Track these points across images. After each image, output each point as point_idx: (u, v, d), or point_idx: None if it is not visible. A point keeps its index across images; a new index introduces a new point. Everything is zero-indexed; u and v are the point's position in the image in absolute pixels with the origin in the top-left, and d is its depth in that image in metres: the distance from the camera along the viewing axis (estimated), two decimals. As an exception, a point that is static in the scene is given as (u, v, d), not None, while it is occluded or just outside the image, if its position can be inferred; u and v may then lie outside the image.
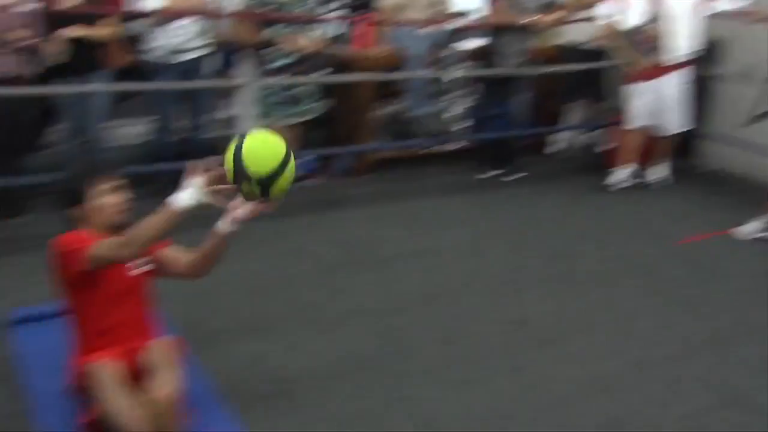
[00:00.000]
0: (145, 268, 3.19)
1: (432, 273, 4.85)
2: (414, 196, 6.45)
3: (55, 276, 3.05)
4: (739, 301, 4.54)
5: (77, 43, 5.49)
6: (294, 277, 4.76)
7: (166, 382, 2.85)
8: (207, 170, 2.75)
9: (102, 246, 2.86)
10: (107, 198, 3.07)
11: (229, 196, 2.78)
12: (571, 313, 4.34)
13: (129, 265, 3.12)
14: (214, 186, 2.75)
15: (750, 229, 5.48)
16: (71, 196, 3.10)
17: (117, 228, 3.05)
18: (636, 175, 6.66)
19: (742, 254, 5.27)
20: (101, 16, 5.62)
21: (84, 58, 5.59)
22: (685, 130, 6.56)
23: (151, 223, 2.76)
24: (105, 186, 3.07)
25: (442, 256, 5.14)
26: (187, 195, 2.73)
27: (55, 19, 5.41)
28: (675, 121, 6.46)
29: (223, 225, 2.95)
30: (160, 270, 3.24)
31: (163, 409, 2.74)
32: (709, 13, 6.27)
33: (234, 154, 2.64)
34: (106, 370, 2.86)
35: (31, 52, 5.34)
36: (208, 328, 3.98)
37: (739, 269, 5.04)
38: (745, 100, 6.79)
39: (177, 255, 3.22)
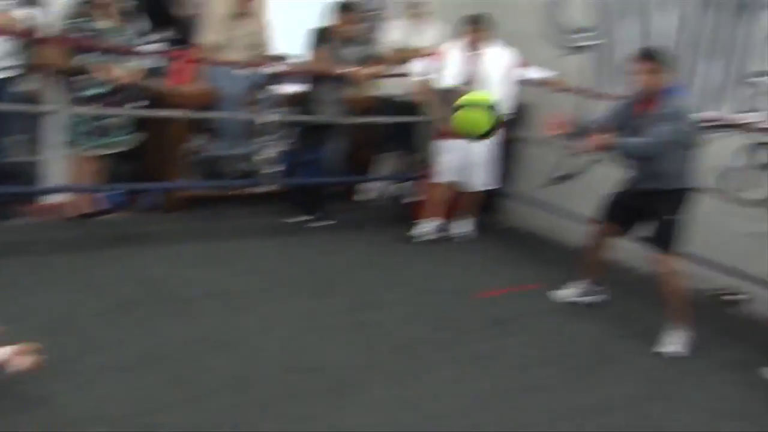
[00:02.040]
0: None
1: (232, 316, 4.85)
2: (220, 236, 6.44)
3: None
4: (525, 356, 4.77)
5: None
6: (89, 314, 4.66)
7: None
8: None
9: None
10: None
11: None
12: (368, 362, 4.44)
13: None
14: None
15: (567, 293, 5.73)
16: None
17: None
18: (441, 228, 6.90)
19: (537, 310, 5.54)
20: None
21: None
22: (490, 188, 6.86)
23: None
24: None
25: (243, 299, 5.15)
26: None
27: None
28: (480, 179, 6.75)
29: None
30: None
31: None
32: (519, 79, 6.62)
33: None
34: None
35: None
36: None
37: (534, 325, 5.30)
38: (546, 163, 7.20)
39: None
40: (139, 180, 6.95)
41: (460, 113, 4.89)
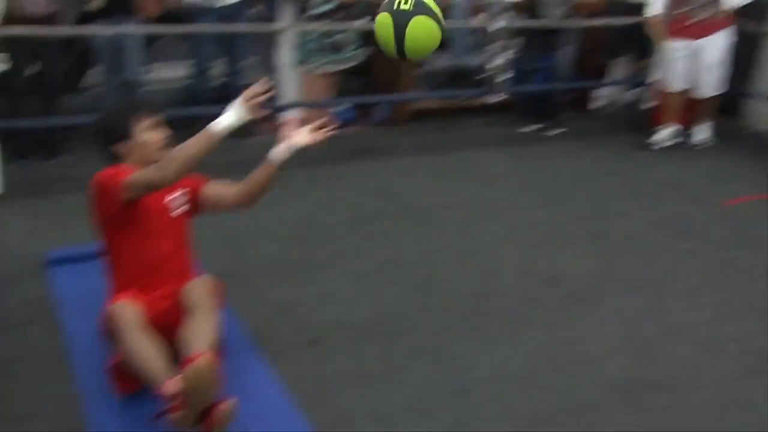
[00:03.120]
0: (184, 209, 3.21)
1: (470, 226, 4.83)
2: (453, 147, 6.40)
3: (93, 214, 3.08)
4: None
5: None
6: (329, 225, 4.77)
7: (202, 331, 2.79)
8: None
9: (138, 172, 2.89)
10: (149, 135, 3.10)
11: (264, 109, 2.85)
12: (607, 273, 4.30)
13: (168, 205, 3.14)
14: (254, 99, 2.80)
15: None
16: (113, 132, 3.13)
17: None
18: (678, 135, 6.56)
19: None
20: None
21: (119, 4, 5.60)
22: (721, 92, 6.40)
23: (189, 144, 2.78)
24: (147, 123, 3.09)
25: (479, 209, 5.11)
26: (228, 115, 2.78)
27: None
28: (711, 82, 6.32)
29: (278, 152, 2.97)
30: (205, 207, 3.27)
31: (202, 373, 2.60)
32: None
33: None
34: (127, 311, 2.82)
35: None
36: (240, 273, 3.99)
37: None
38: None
39: (221, 189, 3.26)
40: (369, 94, 7.02)
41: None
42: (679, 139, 6.56)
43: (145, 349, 2.71)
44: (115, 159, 3.13)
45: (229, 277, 3.62)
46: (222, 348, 2.98)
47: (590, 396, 3.17)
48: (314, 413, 2.94)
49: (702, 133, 6.60)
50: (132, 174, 2.90)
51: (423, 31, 2.63)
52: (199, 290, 2.96)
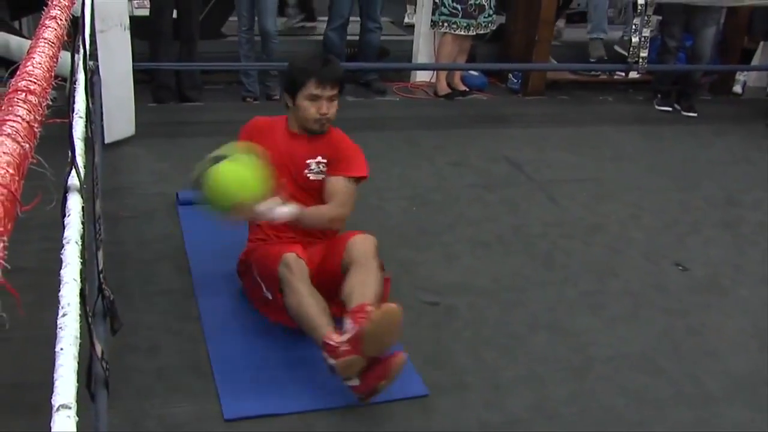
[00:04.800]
0: (319, 177, 3.25)
1: (596, 203, 4.73)
2: (584, 121, 6.28)
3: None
4: None
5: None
6: (454, 189, 4.75)
7: (369, 284, 2.87)
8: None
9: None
10: (308, 104, 3.13)
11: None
12: (738, 263, 4.15)
13: (308, 165, 3.21)
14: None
15: None
16: (286, 82, 3.23)
17: (311, 132, 3.20)
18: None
19: None
20: None
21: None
22: None
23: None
24: (313, 91, 3.11)
25: (607, 186, 5.01)
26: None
27: None
28: None
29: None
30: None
31: (389, 319, 2.67)
32: None
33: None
34: (298, 265, 2.90)
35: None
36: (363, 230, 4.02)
37: None
38: None
39: (331, 192, 3.26)
40: (502, 61, 6.95)
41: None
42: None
43: (313, 305, 2.82)
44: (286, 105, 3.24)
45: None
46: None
47: (710, 387, 3.09)
48: (430, 375, 2.95)
49: None
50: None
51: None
52: (362, 247, 3.01)
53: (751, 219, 4.71)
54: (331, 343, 2.66)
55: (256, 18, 5.78)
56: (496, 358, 3.13)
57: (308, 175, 3.24)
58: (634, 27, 6.07)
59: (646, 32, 6.20)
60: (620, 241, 4.26)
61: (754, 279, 3.99)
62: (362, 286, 2.84)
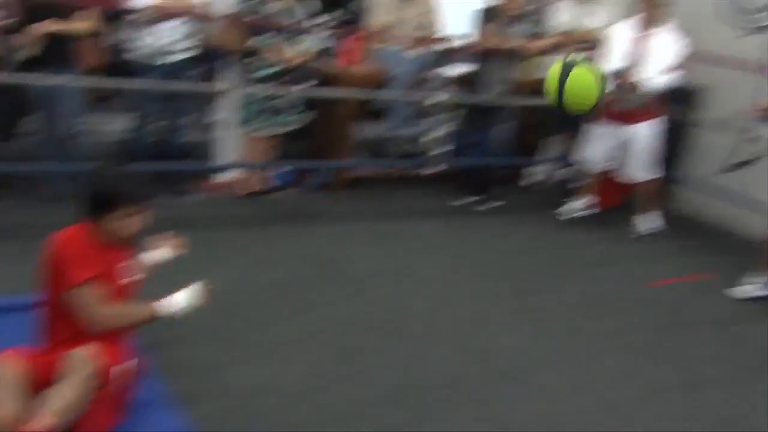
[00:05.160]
0: (136, 277, 3.20)
1: (401, 296, 4.86)
2: (388, 216, 6.45)
3: (43, 268, 3.07)
4: (702, 349, 4.58)
5: (51, 36, 5.46)
6: (260, 288, 4.76)
7: (56, 399, 2.81)
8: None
9: (82, 304, 2.96)
10: (123, 222, 3.07)
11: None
12: (537, 349, 4.36)
13: (121, 272, 3.14)
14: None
15: (746, 289, 5.48)
16: (96, 201, 3.09)
17: (124, 242, 3.15)
18: (588, 208, 6.70)
19: (711, 301, 5.32)
20: (80, 9, 5.58)
21: (57, 53, 5.56)
22: (650, 178, 6.55)
23: (133, 316, 3.04)
24: (126, 210, 3.06)
25: (410, 279, 5.15)
26: (182, 298, 3.00)
27: (33, 7, 5.37)
28: (642, 168, 6.47)
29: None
30: None
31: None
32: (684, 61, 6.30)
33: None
34: (6, 366, 2.88)
35: (5, 34, 5.30)
36: (166, 334, 3.94)
37: (708, 317, 5.10)
38: (723, 147, 6.88)
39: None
40: (308, 159, 7.06)
41: (576, 72, 4.69)
42: (588, 213, 6.69)
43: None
44: (90, 218, 3.11)
45: (155, 338, 3.59)
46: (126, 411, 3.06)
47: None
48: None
49: (646, 222, 6.65)
50: (84, 296, 2.96)
51: (582, 81, 3.36)
52: (69, 362, 2.91)
53: (547, 305, 4.96)
54: None
55: (56, 119, 5.67)
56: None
57: (123, 280, 3.20)
58: (430, 124, 6.34)
59: (444, 129, 6.50)
60: (423, 334, 4.38)
61: (552, 364, 4.18)
62: (47, 399, 2.80)
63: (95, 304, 2.96)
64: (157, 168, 6.35)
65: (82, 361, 2.88)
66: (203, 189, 6.58)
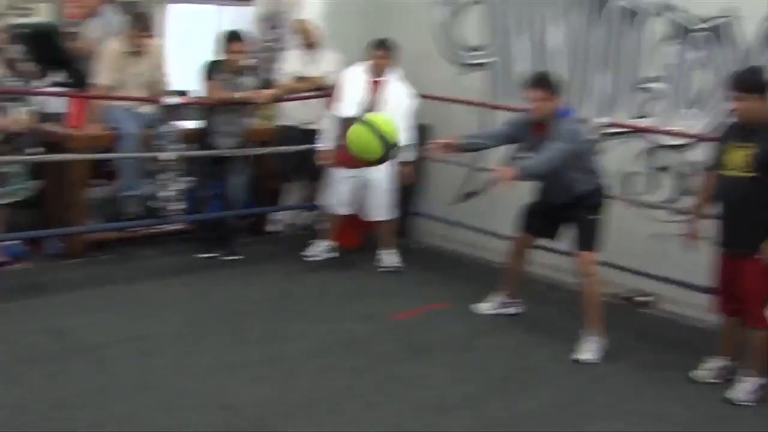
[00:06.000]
0: None
1: (145, 359, 4.80)
2: (128, 279, 6.32)
3: None
4: (443, 375, 4.82)
5: None
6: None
7: None
8: None
9: None
10: None
11: None
12: (285, 396, 4.43)
13: None
14: None
15: (485, 306, 5.88)
16: None
17: None
18: (332, 250, 6.91)
19: (453, 328, 5.61)
20: None
21: None
22: (388, 218, 6.85)
23: None
24: None
25: (154, 341, 5.09)
26: None
27: None
28: (378, 208, 6.77)
29: None
30: None
31: None
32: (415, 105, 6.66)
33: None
34: None
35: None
36: None
37: (450, 343, 5.36)
38: (454, 181, 7.29)
39: None
40: (39, 228, 6.79)
41: (355, 129, 4.97)
42: (331, 255, 6.90)
43: None
44: None
45: None
46: None
47: None
48: None
49: (390, 258, 6.91)
50: None
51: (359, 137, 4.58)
52: None
53: (294, 350, 5.04)
54: None
55: None
56: None
57: None
58: (165, 180, 6.30)
59: (179, 184, 6.48)
60: (170, 395, 4.34)
61: (297, 410, 4.25)
62: None
63: None
64: None
65: None
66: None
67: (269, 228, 7.90)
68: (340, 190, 6.70)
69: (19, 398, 4.21)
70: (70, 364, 4.67)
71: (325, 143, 6.70)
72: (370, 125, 4.94)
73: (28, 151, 6.23)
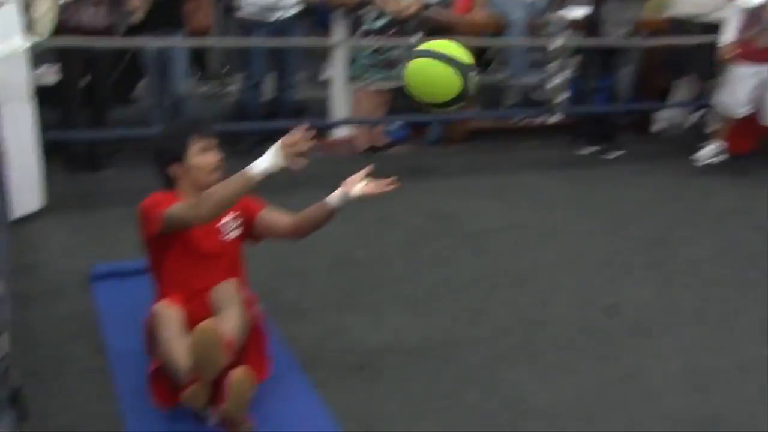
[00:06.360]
0: (236, 233, 3.24)
1: (524, 250, 4.78)
2: (508, 169, 6.36)
3: (141, 235, 3.14)
4: None
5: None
6: (379, 247, 4.76)
7: (227, 320, 2.88)
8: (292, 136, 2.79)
9: (175, 207, 2.96)
10: (201, 158, 3.14)
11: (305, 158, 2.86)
12: (668, 304, 4.22)
13: (220, 228, 3.18)
14: (293, 148, 2.79)
15: None
16: (167, 153, 3.20)
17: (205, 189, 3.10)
18: (722, 153, 6.42)
19: None
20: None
21: (165, 15, 5.65)
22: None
23: (226, 186, 2.85)
24: (199, 145, 3.13)
25: (533, 233, 5.07)
26: (265, 159, 2.79)
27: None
28: None
29: (335, 199, 3.01)
30: (257, 232, 3.31)
31: (206, 336, 2.69)
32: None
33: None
34: (167, 311, 2.93)
35: (115, 4, 5.40)
36: (288, 297, 3.98)
37: None
38: None
39: (276, 217, 3.29)
40: (422, 113, 6.99)
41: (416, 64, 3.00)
42: (723, 158, 6.43)
43: (178, 348, 2.78)
44: (169, 181, 3.21)
45: (275, 300, 3.62)
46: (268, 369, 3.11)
47: (649, 432, 3.12)
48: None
49: None
50: (170, 208, 2.97)
51: (423, 73, 2.78)
52: (224, 291, 3.03)
53: (680, 257, 4.80)
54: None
55: (168, 82, 5.77)
56: (430, 419, 3.11)
57: (225, 237, 3.23)
58: (551, 71, 6.21)
59: (564, 75, 6.35)
60: (550, 289, 4.29)
61: (686, 318, 4.05)
62: (223, 323, 2.87)
63: (187, 205, 2.98)
64: (270, 127, 6.42)
65: (233, 292, 3.01)
66: (318, 147, 6.61)
67: (654, 127, 7.58)
68: (738, 89, 6.18)
69: (402, 275, 4.39)
70: (451, 249, 4.76)
71: (726, 36, 6.22)
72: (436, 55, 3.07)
73: (414, 35, 6.38)
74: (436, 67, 2.82)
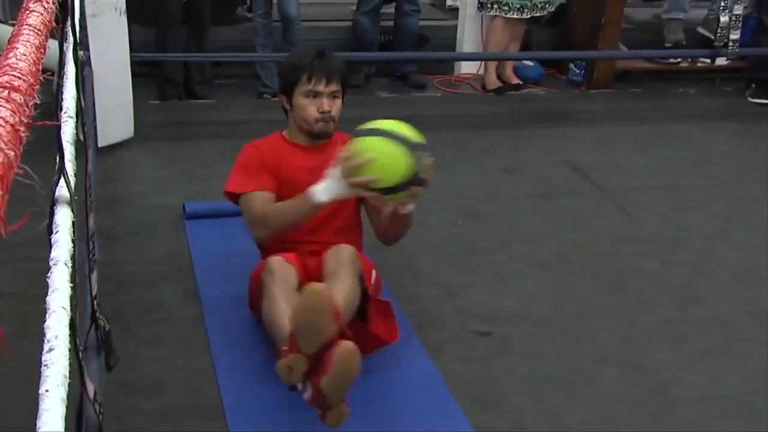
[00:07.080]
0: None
1: (677, 214, 4.69)
2: (661, 118, 6.25)
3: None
4: None
5: None
6: (507, 200, 4.74)
7: (339, 288, 2.87)
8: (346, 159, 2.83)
9: (245, 207, 3.17)
10: (305, 102, 3.14)
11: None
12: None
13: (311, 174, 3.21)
14: (353, 178, 2.82)
15: None
16: (280, 80, 3.32)
17: (315, 136, 3.24)
18: None
19: None
20: None
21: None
22: None
23: (289, 211, 3.03)
24: (308, 87, 3.13)
25: (690, 194, 4.97)
26: (325, 188, 2.89)
27: None
28: None
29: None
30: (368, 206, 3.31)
31: (315, 300, 2.60)
32: None
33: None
34: (285, 268, 2.97)
35: None
36: (402, 252, 3.98)
37: None
38: None
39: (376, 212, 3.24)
40: (562, 49, 6.91)
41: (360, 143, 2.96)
42: None
43: (283, 312, 2.79)
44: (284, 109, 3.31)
45: (389, 254, 3.63)
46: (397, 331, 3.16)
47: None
48: (480, 419, 2.92)
49: None
50: (242, 201, 3.19)
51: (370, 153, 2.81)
52: (337, 258, 3.03)
53: None
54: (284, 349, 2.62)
55: (275, 1, 5.81)
56: (559, 399, 3.09)
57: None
58: (722, 4, 6.03)
59: (738, 9, 6.16)
60: (706, 260, 4.21)
61: None
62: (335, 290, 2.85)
63: (253, 217, 3.13)
64: (390, 57, 6.42)
65: (348, 259, 3.02)
66: (443, 83, 6.60)
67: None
68: None
69: (532, 233, 4.36)
70: (588, 206, 4.72)
71: None
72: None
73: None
74: (385, 145, 2.86)
